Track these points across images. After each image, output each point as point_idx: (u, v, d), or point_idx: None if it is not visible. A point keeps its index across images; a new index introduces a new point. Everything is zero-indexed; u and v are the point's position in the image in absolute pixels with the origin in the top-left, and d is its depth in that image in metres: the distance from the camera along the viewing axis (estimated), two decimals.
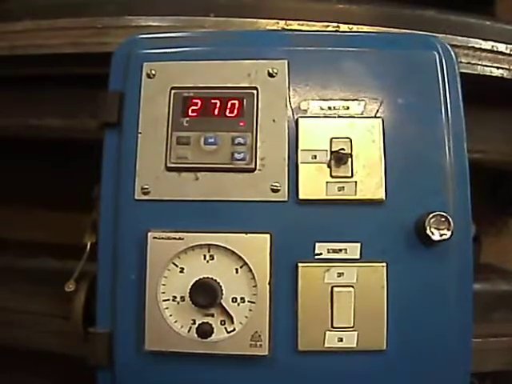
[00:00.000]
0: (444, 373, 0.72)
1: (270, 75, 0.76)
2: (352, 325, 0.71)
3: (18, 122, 1.10)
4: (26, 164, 1.33)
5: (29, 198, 1.36)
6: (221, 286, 0.71)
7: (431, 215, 0.70)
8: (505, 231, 1.43)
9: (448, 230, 0.70)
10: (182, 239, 0.72)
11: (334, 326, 0.71)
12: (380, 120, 0.74)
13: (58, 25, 1.00)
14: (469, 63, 0.95)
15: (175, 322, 0.71)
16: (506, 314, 1.00)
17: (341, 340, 0.71)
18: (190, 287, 0.70)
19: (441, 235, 0.70)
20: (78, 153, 1.11)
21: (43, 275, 1.03)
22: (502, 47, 0.97)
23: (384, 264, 0.72)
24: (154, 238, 0.72)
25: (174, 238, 0.72)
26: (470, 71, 0.95)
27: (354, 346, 0.71)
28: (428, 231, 0.70)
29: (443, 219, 0.70)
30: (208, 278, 0.70)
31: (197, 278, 0.70)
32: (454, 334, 0.72)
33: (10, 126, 1.10)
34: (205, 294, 0.69)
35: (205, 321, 0.71)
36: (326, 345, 0.71)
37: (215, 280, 0.70)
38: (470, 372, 0.74)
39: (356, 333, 0.71)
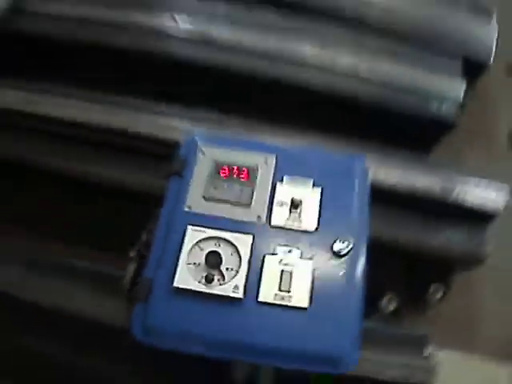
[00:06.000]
0: None
1: None
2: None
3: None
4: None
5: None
6: (221, 259, 1.25)
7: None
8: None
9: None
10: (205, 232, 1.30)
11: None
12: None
13: None
14: None
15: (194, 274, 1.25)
16: None
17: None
18: (205, 255, 1.26)
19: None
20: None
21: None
22: None
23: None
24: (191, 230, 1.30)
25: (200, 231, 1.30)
26: None
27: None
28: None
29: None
30: (216, 251, 1.27)
31: (209, 250, 1.27)
32: None
33: None
34: (213, 260, 1.25)
35: (209, 275, 1.25)
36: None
37: (219, 254, 1.26)
38: None
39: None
